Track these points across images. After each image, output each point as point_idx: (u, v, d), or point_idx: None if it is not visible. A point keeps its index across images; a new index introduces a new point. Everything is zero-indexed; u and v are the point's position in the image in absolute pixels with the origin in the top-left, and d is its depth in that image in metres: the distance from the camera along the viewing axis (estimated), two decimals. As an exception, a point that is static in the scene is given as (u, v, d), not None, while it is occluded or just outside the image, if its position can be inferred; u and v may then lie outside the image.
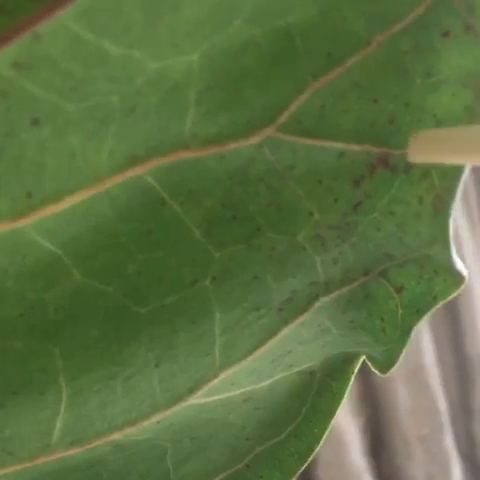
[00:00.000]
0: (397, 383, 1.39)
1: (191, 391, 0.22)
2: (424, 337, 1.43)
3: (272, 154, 0.19)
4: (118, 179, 0.17)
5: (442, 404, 1.38)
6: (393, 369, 0.24)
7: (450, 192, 0.19)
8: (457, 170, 0.19)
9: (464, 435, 1.43)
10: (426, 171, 0.19)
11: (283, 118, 0.18)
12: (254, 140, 0.18)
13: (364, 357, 0.25)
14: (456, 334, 1.48)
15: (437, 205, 0.20)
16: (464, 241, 1.50)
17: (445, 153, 0.18)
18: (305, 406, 0.26)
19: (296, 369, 0.25)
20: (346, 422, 1.30)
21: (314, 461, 1.21)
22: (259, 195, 0.19)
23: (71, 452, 0.21)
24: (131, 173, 0.17)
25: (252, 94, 0.18)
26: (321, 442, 0.27)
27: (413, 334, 0.24)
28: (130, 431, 0.22)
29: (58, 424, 0.20)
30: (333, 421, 0.27)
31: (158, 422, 0.22)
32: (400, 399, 1.37)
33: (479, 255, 1.53)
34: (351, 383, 0.27)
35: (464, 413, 1.43)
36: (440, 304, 0.22)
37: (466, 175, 0.19)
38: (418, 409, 1.36)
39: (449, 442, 1.38)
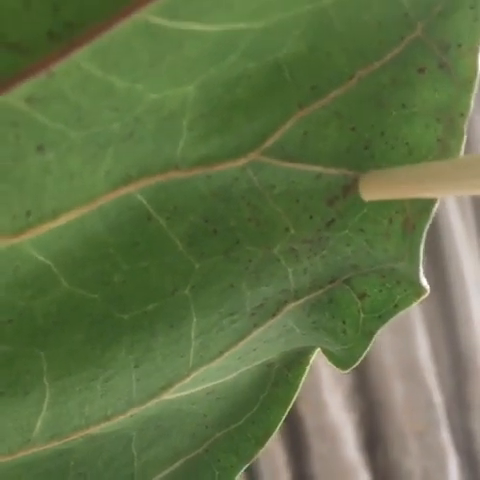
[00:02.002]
0: (392, 378, 1.42)
1: (165, 389, 0.23)
2: (419, 332, 1.46)
3: (254, 175, 0.20)
4: (111, 197, 0.18)
5: (437, 398, 1.42)
6: (353, 367, 0.25)
7: (422, 216, 0.21)
8: (429, 199, 0.21)
9: (460, 429, 1.48)
10: None
11: (268, 143, 0.19)
12: (240, 163, 0.19)
13: (319, 349, 0.27)
14: (451, 328, 1.51)
15: (406, 227, 0.21)
16: (457, 234, 1.53)
17: (392, 191, 0.20)
18: (263, 395, 0.28)
19: (257, 362, 0.26)
20: (341, 417, 1.33)
21: (309, 456, 1.23)
22: (240, 211, 0.20)
23: (49, 446, 0.22)
24: (123, 191, 0.18)
25: (242, 121, 0.19)
26: (277, 428, 0.28)
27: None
28: (105, 425, 0.23)
29: (39, 421, 0.21)
30: (288, 409, 0.28)
31: (131, 416, 0.23)
32: (395, 394, 1.40)
33: (472, 248, 1.57)
34: (306, 373, 0.28)
35: (460, 407, 1.47)
36: (401, 312, 0.23)
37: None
38: (413, 404, 1.39)
39: (445, 436, 1.42)
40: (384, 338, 1.41)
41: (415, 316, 1.45)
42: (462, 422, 1.51)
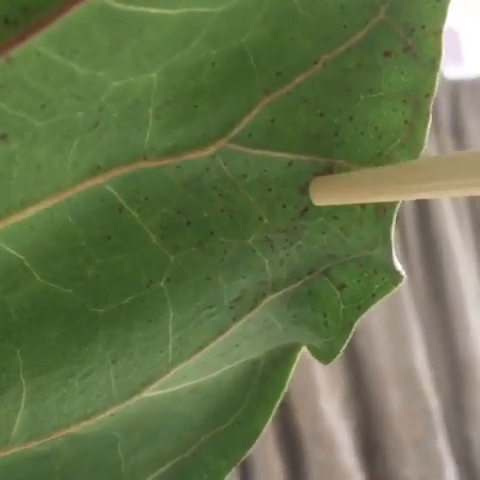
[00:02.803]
0: (389, 385, 1.41)
1: (145, 385, 0.23)
2: (415, 339, 1.45)
3: (225, 164, 0.20)
4: (79, 188, 0.18)
5: (434, 406, 1.42)
6: (335, 359, 0.25)
7: (391, 201, 0.21)
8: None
9: (457, 436, 1.47)
10: None
11: (235, 131, 0.19)
12: (208, 151, 0.19)
13: (305, 347, 0.27)
14: (448, 336, 1.51)
15: (379, 212, 0.21)
16: (454, 241, 1.53)
17: (342, 195, 0.20)
18: (249, 394, 0.27)
19: (242, 360, 0.26)
20: (337, 425, 1.32)
21: (306, 463, 1.23)
22: (212, 202, 0.20)
23: (29, 446, 0.22)
24: (92, 182, 0.18)
25: (207, 108, 0.19)
26: (264, 429, 0.28)
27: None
28: (85, 424, 0.22)
29: (18, 420, 0.21)
30: (275, 408, 0.28)
31: (112, 415, 0.23)
32: (392, 401, 1.40)
33: (468, 255, 1.57)
34: (293, 371, 0.28)
35: (457, 414, 1.47)
36: (379, 301, 0.23)
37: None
38: (410, 411, 1.39)
39: (442, 444, 1.42)
40: (381, 345, 1.41)
41: (412, 324, 1.45)
42: (459, 429, 1.50)
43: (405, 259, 1.49)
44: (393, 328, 1.41)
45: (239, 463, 0.28)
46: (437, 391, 1.47)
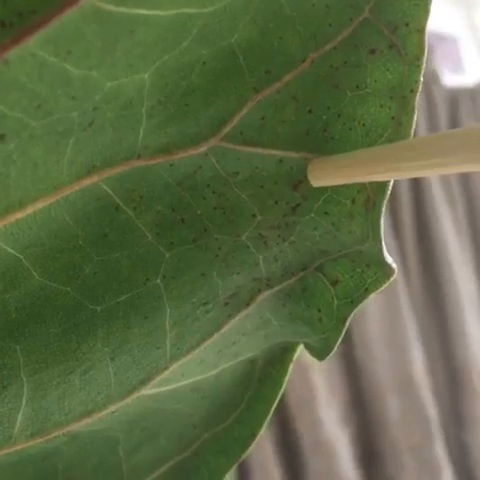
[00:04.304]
0: (387, 393, 1.41)
1: (143, 382, 0.23)
2: (414, 346, 1.45)
3: (217, 162, 0.20)
4: (76, 187, 0.19)
5: (432, 413, 1.41)
6: (330, 355, 0.25)
7: (380, 193, 0.21)
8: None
9: (455, 443, 1.47)
10: None
11: (227, 129, 0.20)
12: (201, 149, 0.20)
13: (302, 345, 0.27)
14: (446, 344, 1.51)
15: (368, 205, 0.21)
16: (451, 249, 1.53)
17: (339, 175, 0.20)
18: (247, 393, 0.28)
19: (240, 358, 0.26)
20: (336, 433, 1.32)
21: (306, 473, 1.22)
22: (206, 199, 0.21)
23: (31, 443, 0.22)
24: (88, 181, 0.19)
25: (199, 107, 0.19)
26: (264, 427, 0.28)
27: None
28: (86, 422, 0.23)
29: (20, 417, 0.21)
30: (274, 407, 0.28)
31: (113, 413, 0.23)
32: (390, 409, 1.40)
33: (466, 263, 1.57)
34: (290, 370, 0.29)
35: (455, 421, 1.47)
36: (371, 295, 0.23)
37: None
38: (408, 418, 1.39)
39: (440, 450, 1.41)
40: (379, 354, 1.41)
41: (410, 332, 1.45)
42: (457, 436, 1.50)
43: (403, 267, 1.49)
44: (391, 336, 1.41)
45: (238, 464, 0.28)
46: (435, 399, 1.47)
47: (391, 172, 0.19)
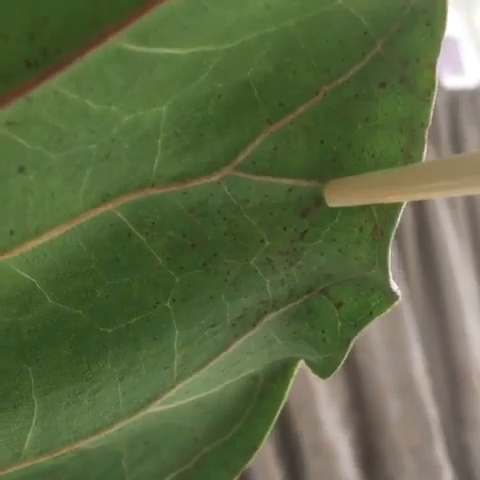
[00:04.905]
0: (387, 394, 1.41)
1: (150, 401, 0.23)
2: (414, 348, 1.46)
3: (229, 190, 0.21)
4: (91, 214, 0.19)
5: (432, 414, 1.42)
6: (333, 375, 0.26)
7: (388, 223, 0.22)
8: (395, 204, 0.22)
9: (455, 444, 1.47)
10: (365, 205, 0.22)
11: (240, 159, 0.20)
12: (214, 178, 0.20)
13: (303, 361, 0.27)
14: (446, 345, 1.51)
15: (375, 234, 0.22)
16: (452, 251, 1.53)
17: (355, 197, 0.21)
18: (249, 408, 0.28)
19: (243, 375, 0.27)
20: (337, 435, 1.33)
21: (306, 474, 1.23)
22: (216, 225, 0.21)
23: (40, 460, 0.22)
24: (103, 209, 0.19)
25: (214, 138, 0.20)
26: (264, 440, 0.29)
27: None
28: (93, 439, 0.23)
29: (29, 436, 0.21)
30: (275, 420, 0.29)
31: (119, 430, 0.24)
32: (391, 410, 1.40)
33: (466, 265, 1.57)
34: (290, 385, 0.29)
35: (455, 422, 1.47)
36: (376, 319, 0.24)
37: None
38: (408, 419, 1.39)
39: (440, 451, 1.42)
40: (379, 355, 1.42)
41: (410, 333, 1.46)
42: (457, 437, 1.51)
43: (403, 270, 1.49)
44: (392, 338, 1.42)
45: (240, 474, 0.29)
46: (435, 400, 1.47)
47: (406, 194, 0.19)
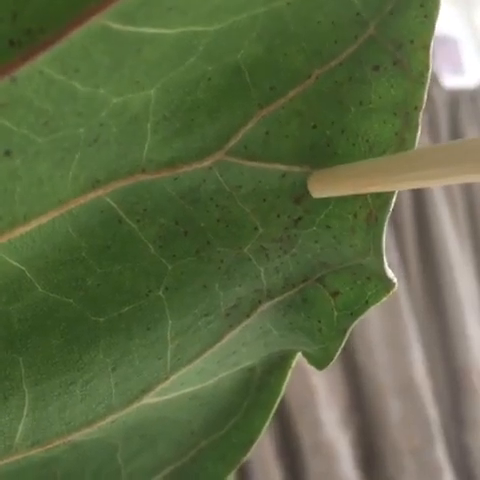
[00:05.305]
0: (387, 395, 1.41)
1: (144, 392, 0.23)
2: (414, 348, 1.46)
3: (221, 175, 0.20)
4: (80, 201, 0.19)
5: (433, 415, 1.42)
6: (329, 365, 0.26)
7: (382, 209, 0.21)
8: (389, 191, 0.21)
9: (455, 445, 1.47)
10: None
11: (231, 143, 0.20)
12: (205, 163, 0.20)
13: (300, 353, 0.27)
14: (446, 346, 1.51)
15: (370, 221, 0.22)
16: (452, 251, 1.53)
17: (339, 187, 0.21)
18: (246, 401, 0.28)
19: (239, 367, 0.27)
20: (337, 435, 1.32)
21: (306, 475, 1.22)
22: (209, 212, 0.21)
23: (32, 452, 0.22)
24: (92, 195, 0.19)
25: (204, 122, 0.19)
26: (262, 434, 0.28)
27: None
28: (87, 431, 0.23)
29: (21, 427, 0.21)
30: (272, 414, 0.29)
31: (113, 422, 0.23)
32: (391, 411, 1.40)
33: (466, 266, 1.57)
34: (288, 378, 0.29)
35: (455, 423, 1.47)
36: (371, 308, 0.24)
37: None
38: (409, 420, 1.39)
39: (440, 453, 1.42)
40: (380, 355, 1.41)
41: (411, 334, 1.45)
42: (457, 438, 1.50)
43: (403, 270, 1.49)
44: (392, 338, 1.42)
45: (237, 468, 0.29)
46: (436, 401, 1.47)
47: (391, 183, 0.19)
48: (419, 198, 1.51)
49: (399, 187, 0.19)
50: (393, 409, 1.41)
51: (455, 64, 1.77)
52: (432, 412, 1.44)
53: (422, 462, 1.41)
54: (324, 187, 0.21)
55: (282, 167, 0.21)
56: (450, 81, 1.68)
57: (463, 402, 1.52)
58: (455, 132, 1.63)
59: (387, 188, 0.19)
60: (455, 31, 1.78)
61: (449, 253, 1.54)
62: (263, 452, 1.18)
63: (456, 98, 1.65)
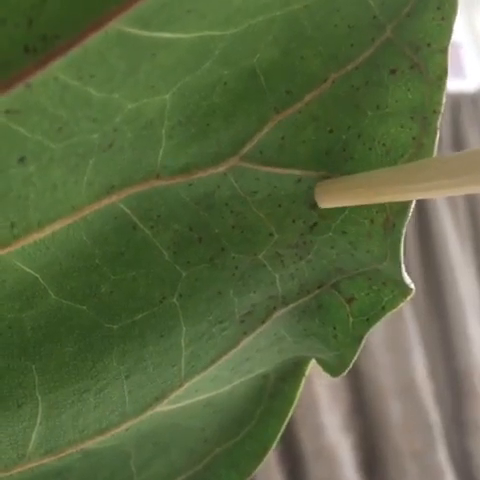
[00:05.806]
0: (389, 398, 1.41)
1: (158, 400, 0.23)
2: (416, 351, 1.45)
3: (236, 181, 0.20)
4: (94, 207, 0.19)
5: (434, 418, 1.41)
6: (344, 373, 0.25)
7: (400, 215, 0.21)
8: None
9: (457, 448, 1.47)
10: None
11: (247, 148, 0.20)
12: (220, 169, 0.20)
13: (314, 360, 0.27)
14: (448, 348, 1.51)
15: (387, 226, 0.21)
16: (453, 253, 1.53)
17: (346, 197, 0.20)
18: (259, 408, 0.28)
19: (253, 374, 0.26)
20: (339, 439, 1.32)
21: (307, 476, 1.22)
22: (224, 218, 0.21)
23: (45, 460, 0.22)
24: (106, 201, 0.19)
25: (219, 127, 0.19)
26: (275, 442, 0.28)
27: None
28: (100, 439, 0.23)
29: (34, 435, 0.21)
30: (286, 422, 0.28)
31: (126, 430, 0.23)
32: (393, 414, 1.40)
33: (467, 267, 1.57)
34: (302, 385, 0.28)
35: (457, 426, 1.47)
36: (388, 314, 0.23)
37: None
38: (411, 424, 1.39)
39: (442, 456, 1.41)
40: (381, 358, 1.41)
41: (412, 337, 1.45)
42: (459, 442, 1.50)
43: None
44: (393, 341, 1.41)
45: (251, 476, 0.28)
46: (437, 404, 1.47)
47: (397, 194, 0.19)
48: (420, 199, 1.51)
49: (406, 197, 0.19)
50: (394, 412, 1.40)
51: (456, 68, 1.77)
52: (434, 415, 1.43)
53: (424, 465, 1.41)
54: (331, 197, 0.21)
55: (298, 172, 0.21)
56: (451, 85, 1.67)
57: (465, 405, 1.51)
58: (456, 136, 1.62)
59: (393, 198, 0.19)
60: (456, 35, 1.77)
61: (450, 254, 1.54)
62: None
63: (457, 102, 1.64)
